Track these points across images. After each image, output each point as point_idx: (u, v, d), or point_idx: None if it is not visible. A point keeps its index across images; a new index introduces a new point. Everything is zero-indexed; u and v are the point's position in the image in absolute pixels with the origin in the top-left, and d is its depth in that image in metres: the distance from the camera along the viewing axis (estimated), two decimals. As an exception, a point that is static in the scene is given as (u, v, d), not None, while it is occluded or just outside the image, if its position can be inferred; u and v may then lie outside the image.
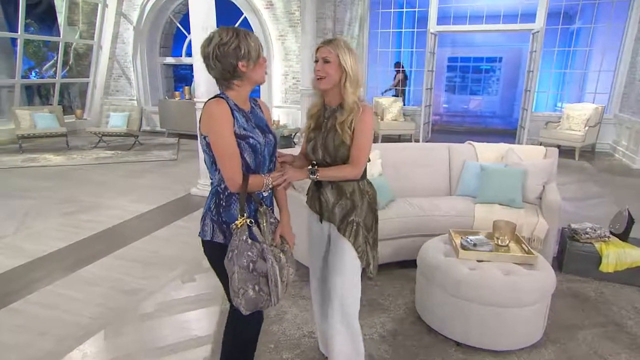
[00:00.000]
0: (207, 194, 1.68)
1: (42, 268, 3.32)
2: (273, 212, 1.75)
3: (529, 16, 8.37)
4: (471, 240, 2.67)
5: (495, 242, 2.70)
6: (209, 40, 1.55)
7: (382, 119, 8.85)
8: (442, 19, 8.88)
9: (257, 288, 1.55)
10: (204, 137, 1.56)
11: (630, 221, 3.27)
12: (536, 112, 9.04)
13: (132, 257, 3.54)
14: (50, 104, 9.37)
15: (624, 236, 3.26)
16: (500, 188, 3.39)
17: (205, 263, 3.49)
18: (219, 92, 1.64)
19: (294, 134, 8.44)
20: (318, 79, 1.81)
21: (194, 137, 8.32)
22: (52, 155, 7.36)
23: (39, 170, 6.46)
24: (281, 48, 8.75)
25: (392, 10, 9.25)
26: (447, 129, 11.33)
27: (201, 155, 5.09)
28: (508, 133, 10.09)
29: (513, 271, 2.42)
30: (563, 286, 3.14)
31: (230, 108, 1.55)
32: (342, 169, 1.84)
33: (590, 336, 2.55)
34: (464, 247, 2.64)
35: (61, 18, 9.63)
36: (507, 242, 2.68)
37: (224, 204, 1.62)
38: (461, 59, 13.07)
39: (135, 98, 9.95)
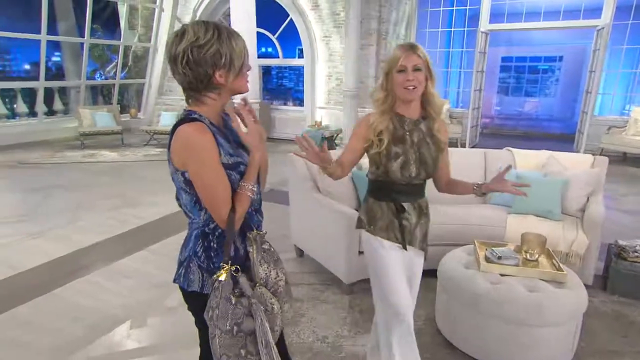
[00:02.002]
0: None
1: (85, 258, 3.56)
2: (264, 236, 1.39)
3: (594, 11, 7.77)
4: (496, 253, 2.53)
5: (524, 255, 2.54)
6: (179, 36, 1.20)
7: (427, 121, 8.60)
8: (495, 16, 8.48)
9: (242, 352, 1.25)
10: (182, 173, 1.25)
11: (688, 240, 2.94)
12: (600, 116, 8.40)
13: (165, 252, 3.72)
14: (111, 104, 10.05)
15: (680, 256, 2.94)
16: (537, 198, 3.17)
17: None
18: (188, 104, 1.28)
19: (335, 135, 8.44)
20: (411, 89, 1.67)
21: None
22: (108, 151, 7.90)
23: (95, 166, 6.96)
24: (325, 49, 8.77)
25: (441, 8, 8.97)
26: (498, 133, 10.81)
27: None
28: (566, 138, 9.47)
29: (539, 288, 2.26)
30: (606, 307, 2.89)
31: (213, 133, 1.23)
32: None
33: (629, 365, 2.33)
34: (487, 260, 2.51)
35: (123, 23, 10.30)
36: (537, 256, 2.51)
37: (215, 246, 1.32)
38: (516, 59, 12.37)
39: (185, 98, 10.40)
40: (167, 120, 8.51)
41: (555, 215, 3.12)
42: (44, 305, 2.87)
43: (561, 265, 2.42)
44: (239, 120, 1.31)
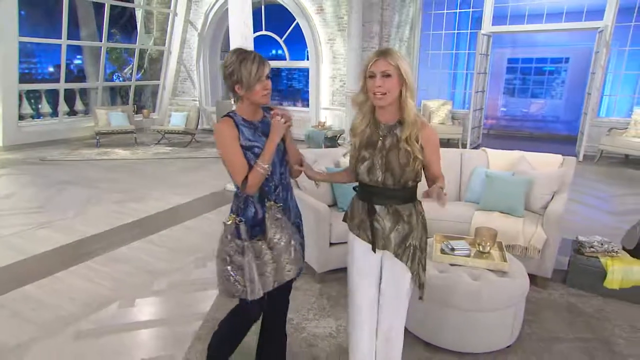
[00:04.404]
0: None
1: (87, 246, 3.91)
2: (282, 209, 1.84)
3: (597, 13, 7.77)
4: (450, 245, 2.74)
5: (477, 248, 2.73)
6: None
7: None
8: (499, 18, 8.55)
9: (232, 279, 1.73)
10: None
11: (645, 237, 3.07)
12: (603, 117, 8.38)
13: (160, 242, 4.03)
14: (128, 104, 10.53)
15: (637, 252, 3.07)
16: (503, 196, 3.35)
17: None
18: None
19: (338, 135, 8.66)
20: (377, 95, 1.67)
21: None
22: (121, 150, 8.33)
23: (108, 163, 7.38)
24: (329, 51, 9.01)
25: (445, 11, 9.08)
26: (503, 134, 10.81)
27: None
28: (572, 139, 9.42)
29: (482, 277, 2.46)
30: (563, 299, 3.05)
31: (236, 123, 1.74)
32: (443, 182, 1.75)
33: (567, 349, 2.49)
34: (442, 251, 2.71)
35: (139, 27, 10.79)
36: (489, 248, 2.70)
37: (242, 206, 1.81)
38: (522, 60, 12.32)
39: (197, 99, 10.83)
40: (176, 120, 8.89)
41: (518, 212, 3.29)
42: (46, 285, 3.20)
43: (507, 256, 2.61)
44: (277, 118, 1.77)
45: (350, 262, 1.92)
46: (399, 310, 1.89)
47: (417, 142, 1.70)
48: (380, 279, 1.88)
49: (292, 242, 1.83)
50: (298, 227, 2.02)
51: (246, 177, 1.73)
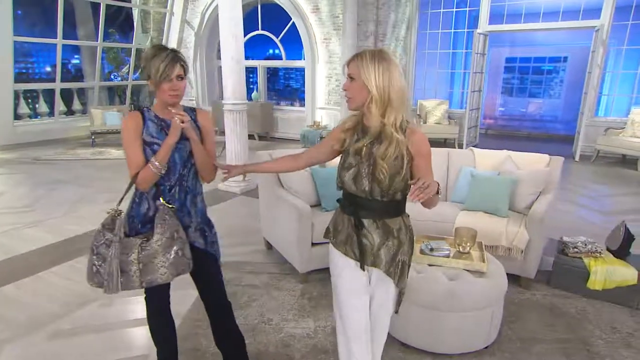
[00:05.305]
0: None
1: (71, 246, 3.90)
2: (176, 212, 1.82)
3: (594, 11, 7.72)
4: (430, 245, 2.71)
5: (457, 248, 2.71)
6: None
7: (424, 122, 8.73)
8: (495, 17, 8.51)
9: (94, 269, 1.75)
10: None
11: (629, 238, 3.03)
12: (601, 117, 8.32)
13: (146, 241, 4.02)
14: (124, 104, 10.55)
15: (621, 253, 3.04)
16: (487, 196, 3.32)
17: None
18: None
19: (333, 134, 8.64)
20: (346, 98, 1.62)
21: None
22: (116, 149, 8.33)
23: (102, 162, 7.39)
24: (325, 51, 8.99)
25: (441, 10, 9.04)
26: (502, 134, 10.76)
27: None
28: (569, 139, 9.36)
29: (460, 277, 2.43)
30: (545, 300, 3.02)
31: (145, 118, 1.76)
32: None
33: (546, 350, 2.47)
34: (421, 252, 2.69)
35: (136, 26, 10.80)
36: (468, 248, 2.68)
37: (137, 200, 1.83)
38: (520, 59, 12.25)
39: (194, 99, 10.83)
40: (172, 119, 8.89)
41: (502, 212, 3.25)
42: (27, 285, 3.20)
43: (486, 256, 2.58)
44: (175, 118, 1.72)
45: (340, 283, 1.75)
46: (387, 325, 1.84)
47: (403, 158, 1.58)
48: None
49: (174, 247, 1.76)
50: (203, 232, 1.94)
51: (135, 176, 1.73)
